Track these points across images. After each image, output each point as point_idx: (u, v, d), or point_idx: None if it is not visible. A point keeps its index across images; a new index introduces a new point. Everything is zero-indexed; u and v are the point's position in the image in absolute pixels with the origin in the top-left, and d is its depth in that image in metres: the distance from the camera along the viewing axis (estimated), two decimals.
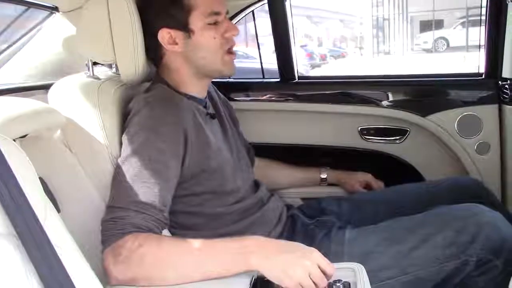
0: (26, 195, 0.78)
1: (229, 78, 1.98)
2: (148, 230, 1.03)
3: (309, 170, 1.72)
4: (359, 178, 1.68)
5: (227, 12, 1.30)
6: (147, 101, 1.20)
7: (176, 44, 1.26)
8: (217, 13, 1.25)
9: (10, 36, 1.60)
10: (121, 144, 1.18)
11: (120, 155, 1.16)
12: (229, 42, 1.28)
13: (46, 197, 0.95)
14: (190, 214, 1.25)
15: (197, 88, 1.32)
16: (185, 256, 1.00)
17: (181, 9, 1.23)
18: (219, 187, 1.27)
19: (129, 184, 1.07)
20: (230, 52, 1.29)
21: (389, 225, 1.30)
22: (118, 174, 1.11)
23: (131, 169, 1.10)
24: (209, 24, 1.24)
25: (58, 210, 1.03)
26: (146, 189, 1.07)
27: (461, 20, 18.74)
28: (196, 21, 1.23)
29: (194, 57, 1.27)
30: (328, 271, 0.95)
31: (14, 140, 0.95)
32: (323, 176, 1.70)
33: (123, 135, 1.18)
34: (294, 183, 1.73)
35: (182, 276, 0.98)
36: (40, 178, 1.00)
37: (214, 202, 1.27)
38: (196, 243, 1.01)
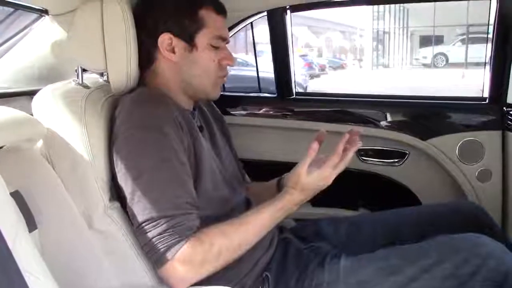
0: None
1: (225, 91, 1.93)
2: (197, 227, 1.07)
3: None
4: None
5: (228, 42, 1.31)
6: (136, 100, 1.16)
7: (174, 53, 1.23)
8: (223, 38, 1.26)
9: None
10: (106, 157, 1.14)
11: (109, 168, 1.14)
12: (223, 70, 1.29)
13: (19, 215, 0.90)
14: None
15: (183, 100, 1.28)
16: (247, 232, 1.14)
17: (193, 22, 1.22)
18: (210, 192, 1.20)
19: (158, 189, 1.06)
20: (221, 77, 1.29)
21: (387, 253, 1.25)
22: (138, 184, 1.07)
23: (152, 176, 1.07)
24: (212, 46, 1.24)
25: (34, 227, 0.99)
26: (177, 190, 1.07)
27: (461, 37, 18.91)
28: (202, 38, 1.23)
29: (187, 72, 1.25)
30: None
31: None
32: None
33: (120, 141, 1.12)
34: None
35: (249, 244, 1.15)
36: (17, 192, 0.96)
37: (205, 213, 1.18)
38: (247, 218, 1.15)
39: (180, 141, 1.13)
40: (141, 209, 1.06)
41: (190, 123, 1.21)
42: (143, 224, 1.05)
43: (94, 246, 1.09)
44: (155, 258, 1.04)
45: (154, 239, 1.03)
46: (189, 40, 1.22)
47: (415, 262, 1.17)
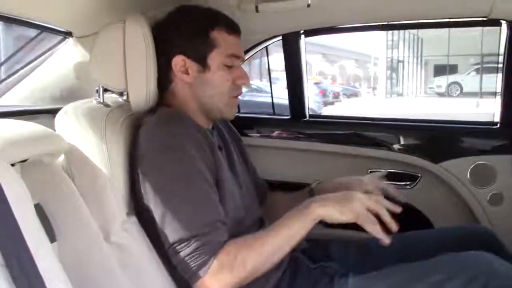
0: (19, 223, 0.75)
1: (239, 113, 1.96)
2: (224, 241, 1.10)
3: (300, 192, 1.55)
4: (366, 187, 1.39)
5: (243, 60, 1.33)
6: (158, 121, 1.20)
7: (188, 74, 1.26)
8: (236, 56, 1.27)
9: (22, 58, 1.60)
10: (125, 172, 1.18)
11: (128, 183, 1.18)
12: (238, 89, 1.31)
13: (41, 225, 0.93)
14: None
15: (201, 120, 1.30)
16: (272, 244, 1.14)
17: (204, 43, 1.25)
18: (231, 212, 1.23)
19: (188, 210, 1.10)
20: (235, 97, 1.31)
21: (395, 271, 1.25)
22: (168, 208, 1.11)
23: (181, 197, 1.11)
24: (225, 65, 1.26)
25: (54, 239, 1.01)
26: (206, 209, 1.11)
27: (476, 67, 18.85)
28: (215, 58, 1.25)
29: (200, 93, 1.27)
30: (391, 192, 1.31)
31: (13, 165, 0.94)
32: (312, 186, 1.52)
33: (146, 163, 1.16)
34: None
35: (278, 255, 1.16)
36: (38, 204, 0.99)
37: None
38: (271, 231, 1.16)
39: (204, 160, 1.16)
40: (172, 231, 1.10)
41: (210, 143, 1.24)
42: (175, 245, 1.09)
43: (111, 259, 1.10)
44: (189, 276, 1.08)
45: (186, 258, 1.08)
46: (202, 61, 1.25)
47: (422, 279, 1.18)
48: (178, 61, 1.26)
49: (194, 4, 1.33)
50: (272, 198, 1.60)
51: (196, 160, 1.13)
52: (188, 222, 1.09)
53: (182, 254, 1.08)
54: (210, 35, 1.25)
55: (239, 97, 1.34)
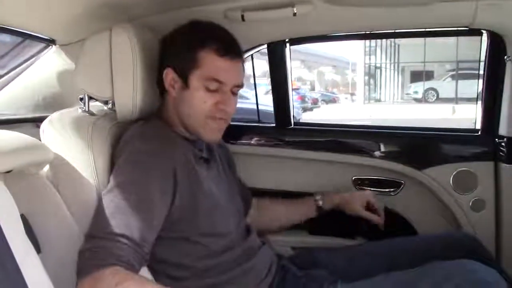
0: (5, 234, 0.74)
1: None
2: (128, 263, 1.01)
3: (304, 201, 1.62)
4: (360, 199, 1.60)
5: (241, 86, 1.27)
6: (141, 134, 1.20)
7: (174, 88, 1.25)
8: (219, 82, 1.22)
9: (5, 64, 1.57)
10: None
11: None
12: (218, 113, 1.23)
13: (27, 237, 0.92)
14: (179, 267, 1.21)
15: (187, 133, 1.29)
16: None
17: (189, 60, 1.22)
18: (210, 229, 1.23)
19: (111, 215, 1.06)
20: (214, 119, 1.24)
21: (383, 280, 1.27)
22: (100, 204, 1.10)
23: (115, 200, 1.09)
24: (207, 88, 1.21)
25: (39, 250, 1.00)
26: (128, 222, 1.05)
27: (451, 73, 19.19)
28: (195, 78, 1.22)
29: (181, 109, 1.26)
30: None
31: None
32: (319, 203, 1.60)
33: (113, 171, 1.16)
34: (292, 217, 1.62)
35: None
36: (22, 215, 0.97)
37: (204, 251, 1.22)
38: None
39: (164, 180, 1.14)
40: (91, 223, 1.09)
41: (188, 159, 1.22)
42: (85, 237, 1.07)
43: None
44: (78, 269, 1.02)
45: (81, 253, 1.03)
46: (184, 78, 1.22)
47: None
48: (168, 73, 1.24)
49: (205, 20, 1.28)
50: (259, 204, 1.61)
51: (152, 180, 1.12)
52: (104, 223, 1.05)
53: (84, 245, 1.04)
54: (198, 53, 1.21)
55: None
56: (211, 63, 1.21)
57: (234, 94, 1.27)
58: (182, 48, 1.23)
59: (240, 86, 1.27)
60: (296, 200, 1.64)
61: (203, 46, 1.21)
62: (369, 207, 1.59)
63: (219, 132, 1.29)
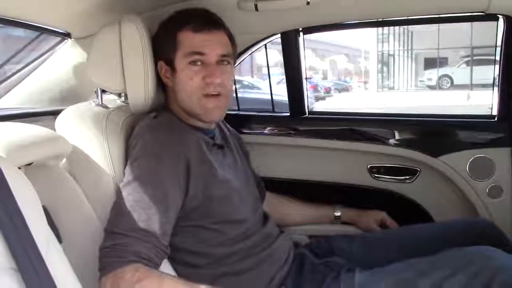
0: (29, 226, 0.76)
1: (238, 110, 1.97)
2: (149, 259, 1.04)
3: (322, 207, 1.69)
4: (374, 217, 1.65)
5: (227, 55, 1.27)
6: (152, 126, 1.22)
7: (168, 78, 1.28)
8: (199, 53, 1.23)
9: (21, 59, 1.59)
10: None
11: None
12: (209, 87, 1.23)
13: (49, 227, 0.93)
14: (196, 254, 1.23)
15: (195, 122, 1.30)
16: None
17: (171, 45, 1.25)
18: (228, 216, 1.25)
19: (129, 210, 1.07)
20: (210, 96, 1.24)
21: (401, 267, 1.26)
22: (118, 198, 1.11)
23: (133, 194, 1.10)
24: (191, 63, 1.23)
25: (60, 241, 1.01)
26: (147, 217, 1.07)
27: (465, 59, 18.94)
28: (178, 60, 1.24)
29: (179, 97, 1.28)
30: None
31: (19, 168, 0.93)
32: (337, 214, 1.67)
33: (128, 164, 1.18)
34: (306, 220, 1.69)
35: None
36: (44, 207, 0.99)
37: (221, 238, 1.23)
38: (186, 285, 1.04)
39: (177, 171, 1.15)
40: (110, 218, 1.10)
41: (200, 147, 1.23)
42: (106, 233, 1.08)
43: None
44: (100, 266, 1.04)
45: (102, 250, 1.05)
46: (171, 64, 1.25)
47: (428, 275, 1.18)
48: (161, 67, 1.28)
49: (186, 8, 1.31)
50: (276, 202, 1.64)
51: (164, 171, 1.13)
52: (125, 219, 1.07)
53: (105, 243, 1.05)
54: (177, 37, 1.24)
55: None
56: (189, 40, 1.24)
57: (223, 64, 1.26)
58: (164, 37, 1.27)
59: (226, 55, 1.27)
60: (314, 205, 1.69)
61: (180, 28, 1.24)
62: (384, 226, 1.64)
63: (218, 110, 1.28)
